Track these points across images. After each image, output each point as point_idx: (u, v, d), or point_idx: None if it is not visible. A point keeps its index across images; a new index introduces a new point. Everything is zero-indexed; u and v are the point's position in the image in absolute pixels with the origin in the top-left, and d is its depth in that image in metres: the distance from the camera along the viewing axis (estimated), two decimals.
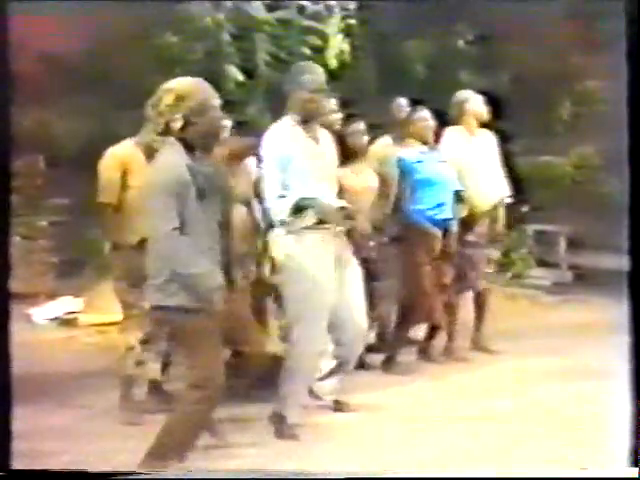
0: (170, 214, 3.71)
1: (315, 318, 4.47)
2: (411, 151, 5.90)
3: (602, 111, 7.48)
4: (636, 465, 3.89)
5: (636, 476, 3.87)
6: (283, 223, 4.50)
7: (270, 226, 4.72)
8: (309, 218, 4.49)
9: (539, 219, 8.80)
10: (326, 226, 4.54)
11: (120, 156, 4.86)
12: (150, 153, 4.75)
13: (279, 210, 4.49)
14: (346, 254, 4.69)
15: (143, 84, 7.78)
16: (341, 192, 5.12)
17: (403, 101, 6.56)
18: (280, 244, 4.55)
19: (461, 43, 9.29)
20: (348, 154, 5.48)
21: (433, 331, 6.10)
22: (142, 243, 4.63)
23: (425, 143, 5.94)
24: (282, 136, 4.58)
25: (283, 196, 4.48)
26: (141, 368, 4.92)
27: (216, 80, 8.89)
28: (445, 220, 5.86)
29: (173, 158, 3.80)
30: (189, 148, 3.83)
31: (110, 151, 4.91)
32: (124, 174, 4.82)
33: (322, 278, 4.50)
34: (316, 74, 4.67)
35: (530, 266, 8.91)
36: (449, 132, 6.19)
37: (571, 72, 8.45)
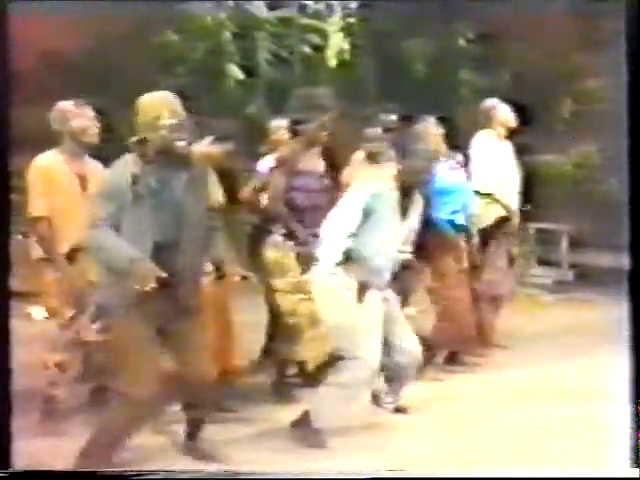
0: (101, 211, 3.87)
1: (368, 346, 4.39)
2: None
3: (603, 110, 7.47)
4: (637, 465, 3.90)
5: (637, 476, 3.86)
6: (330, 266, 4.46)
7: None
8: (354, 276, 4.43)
9: (540, 218, 8.79)
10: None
11: (43, 167, 4.78)
12: (74, 162, 4.80)
13: (330, 252, 4.45)
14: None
15: (144, 83, 7.84)
16: None
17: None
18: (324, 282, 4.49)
19: (462, 42, 9.29)
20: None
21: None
22: (72, 253, 4.66)
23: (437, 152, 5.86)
24: (371, 185, 4.49)
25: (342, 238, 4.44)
26: (55, 388, 4.73)
27: (217, 78, 8.99)
28: (463, 226, 5.83)
29: (117, 167, 3.98)
30: (147, 161, 3.92)
31: (34, 163, 4.82)
32: (49, 184, 4.74)
33: (370, 310, 4.44)
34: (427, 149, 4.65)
35: (531, 265, 8.91)
36: (480, 136, 6.16)
37: (572, 70, 8.43)
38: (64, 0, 5.46)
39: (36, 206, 4.79)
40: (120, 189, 3.86)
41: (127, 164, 3.93)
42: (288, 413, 4.64)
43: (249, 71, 9.07)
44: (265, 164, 5.71)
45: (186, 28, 8.92)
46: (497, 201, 6.13)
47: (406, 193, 4.57)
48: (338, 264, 4.44)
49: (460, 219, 5.84)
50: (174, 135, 3.92)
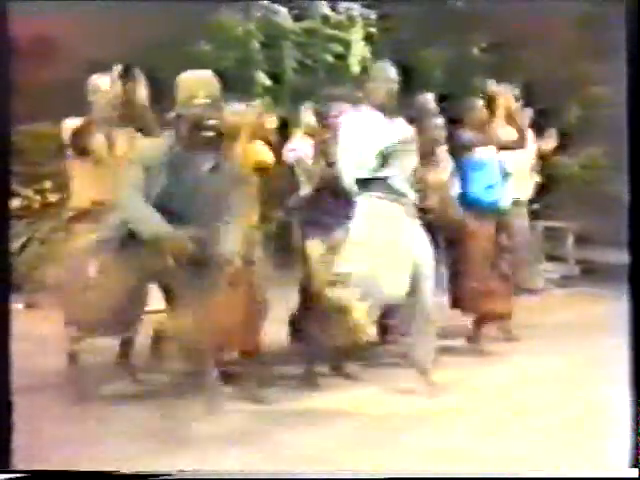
0: (133, 176, 3.89)
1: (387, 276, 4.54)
2: (467, 132, 5.87)
3: (608, 115, 7.45)
4: (636, 465, 3.78)
5: (636, 476, 3.74)
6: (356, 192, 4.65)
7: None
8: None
9: (548, 216, 8.77)
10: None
11: (74, 123, 4.76)
12: (103, 127, 4.75)
13: (351, 178, 4.64)
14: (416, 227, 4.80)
15: None
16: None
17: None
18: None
19: (476, 50, 9.28)
20: (424, 149, 5.44)
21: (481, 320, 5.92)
22: (92, 211, 4.60)
23: (482, 129, 5.89)
24: (362, 118, 4.74)
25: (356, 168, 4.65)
26: (78, 344, 4.68)
27: (246, 85, 9.02)
28: (494, 202, 5.83)
29: (156, 140, 4.05)
30: (180, 137, 3.92)
31: (65, 123, 4.82)
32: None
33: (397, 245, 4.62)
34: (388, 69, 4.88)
35: (539, 260, 8.88)
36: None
37: (579, 78, 8.41)
38: (63, 1, 5.41)
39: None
40: (153, 160, 3.88)
41: (164, 138, 3.96)
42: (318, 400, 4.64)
43: (276, 78, 9.09)
44: (294, 145, 5.66)
45: (217, 38, 8.96)
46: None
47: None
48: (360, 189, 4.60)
49: (491, 195, 5.81)
50: (206, 114, 3.90)
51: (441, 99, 5.78)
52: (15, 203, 7.42)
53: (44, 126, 7.08)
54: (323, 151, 5.02)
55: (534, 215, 7.53)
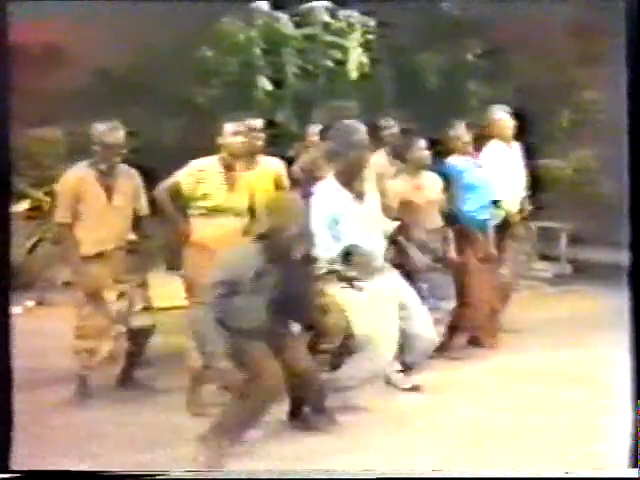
0: (210, 296, 4.05)
1: (383, 339, 4.44)
2: (458, 159, 5.92)
3: (599, 119, 7.47)
4: (636, 466, 3.76)
5: (636, 476, 3.73)
6: (335, 271, 4.50)
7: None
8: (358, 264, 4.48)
9: (541, 216, 8.78)
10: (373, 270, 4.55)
11: (72, 180, 4.93)
12: (102, 175, 4.90)
13: (330, 259, 4.48)
14: (399, 280, 4.70)
15: (183, 94, 7.90)
16: (403, 207, 5.23)
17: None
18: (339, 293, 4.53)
19: (470, 56, 9.29)
20: (409, 169, 5.48)
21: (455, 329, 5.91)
22: (97, 256, 4.85)
23: (467, 154, 5.96)
24: (329, 199, 4.54)
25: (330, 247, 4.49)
26: (87, 371, 4.93)
27: (248, 90, 9.04)
28: (485, 220, 5.91)
29: (240, 257, 4.11)
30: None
31: (65, 175, 4.98)
32: (78, 195, 4.88)
33: (384, 311, 4.50)
34: (359, 133, 4.60)
35: (533, 260, 8.90)
36: (492, 144, 6.20)
37: (570, 83, 8.44)
38: (62, 0, 5.41)
39: (60, 214, 4.93)
40: (240, 279, 3.93)
41: (250, 257, 3.99)
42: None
43: (277, 83, 9.11)
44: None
45: (220, 44, 8.98)
46: (501, 207, 6.18)
47: (350, 182, 4.57)
48: (336, 263, 4.50)
49: (483, 214, 5.89)
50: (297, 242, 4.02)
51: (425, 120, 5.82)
52: (26, 205, 7.47)
53: (53, 131, 7.11)
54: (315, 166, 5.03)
55: (528, 216, 7.55)
